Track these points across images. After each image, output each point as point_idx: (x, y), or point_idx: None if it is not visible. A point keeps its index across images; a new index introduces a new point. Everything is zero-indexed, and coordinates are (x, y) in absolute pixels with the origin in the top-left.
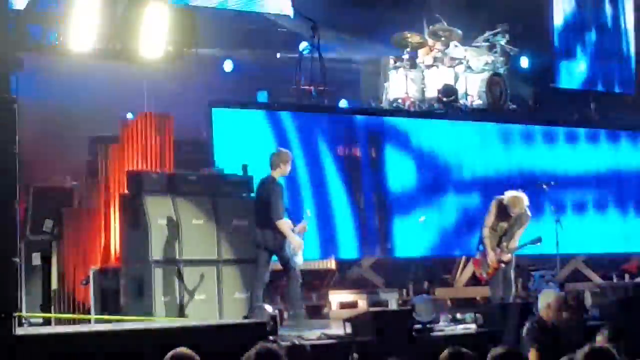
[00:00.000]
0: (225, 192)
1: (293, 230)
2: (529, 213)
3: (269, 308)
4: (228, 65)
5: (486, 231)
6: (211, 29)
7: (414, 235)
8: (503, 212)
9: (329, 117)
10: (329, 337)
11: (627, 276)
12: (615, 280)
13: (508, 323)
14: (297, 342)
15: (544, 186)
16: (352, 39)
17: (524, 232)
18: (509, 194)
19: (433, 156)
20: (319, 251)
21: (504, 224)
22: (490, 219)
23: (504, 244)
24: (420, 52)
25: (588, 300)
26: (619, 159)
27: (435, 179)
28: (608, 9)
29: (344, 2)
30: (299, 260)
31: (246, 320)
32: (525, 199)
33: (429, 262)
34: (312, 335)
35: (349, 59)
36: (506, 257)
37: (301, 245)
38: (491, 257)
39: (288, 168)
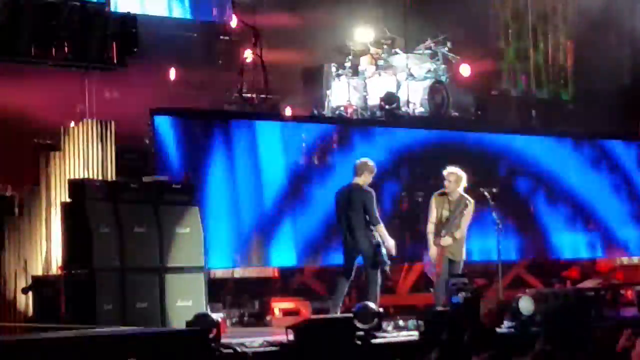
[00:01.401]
0: (167, 200)
1: None
2: (469, 198)
3: (213, 315)
4: (171, 73)
5: (430, 227)
6: (154, 36)
7: None
8: (442, 200)
9: (272, 124)
10: (271, 344)
11: (568, 282)
12: (556, 286)
13: None
14: (239, 350)
15: (486, 193)
16: (295, 47)
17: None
18: (447, 169)
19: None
20: (260, 259)
21: (446, 212)
22: (432, 214)
23: (445, 232)
24: (363, 59)
25: (528, 306)
26: (561, 166)
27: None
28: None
29: (286, 10)
30: (389, 265)
31: (189, 328)
32: (462, 177)
33: None
34: (255, 342)
35: (291, 66)
36: (445, 241)
37: (394, 247)
38: (432, 251)
39: (371, 178)
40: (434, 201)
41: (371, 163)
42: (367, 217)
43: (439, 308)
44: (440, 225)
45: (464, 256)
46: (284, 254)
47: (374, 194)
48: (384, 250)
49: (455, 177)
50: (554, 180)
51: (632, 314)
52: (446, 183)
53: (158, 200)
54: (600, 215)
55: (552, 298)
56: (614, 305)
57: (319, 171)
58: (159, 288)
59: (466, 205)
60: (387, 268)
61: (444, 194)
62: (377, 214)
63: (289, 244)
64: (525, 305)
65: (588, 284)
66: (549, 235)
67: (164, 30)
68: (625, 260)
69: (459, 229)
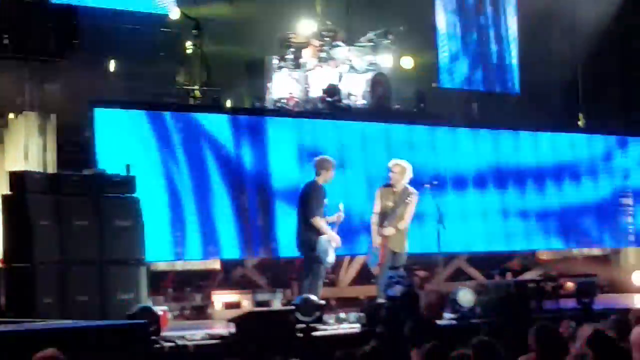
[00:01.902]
0: (108, 193)
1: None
2: (412, 189)
3: (154, 308)
4: (111, 65)
5: (373, 217)
6: (94, 28)
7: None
8: (387, 192)
9: (213, 117)
10: (213, 337)
11: (509, 274)
12: (497, 278)
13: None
14: (180, 343)
15: (426, 186)
16: (237, 39)
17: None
18: (392, 161)
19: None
20: (201, 252)
21: (390, 203)
22: (376, 205)
23: (388, 222)
24: (305, 52)
25: (467, 298)
26: (500, 158)
27: None
28: (490, 11)
29: (228, 1)
30: (330, 260)
31: (129, 321)
32: (407, 169)
33: None
34: (196, 335)
35: (232, 58)
36: (388, 231)
37: (339, 240)
38: (375, 240)
39: (330, 174)
40: (378, 192)
41: (329, 160)
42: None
43: (379, 300)
44: (384, 216)
45: (406, 248)
46: (226, 246)
47: (322, 191)
48: (321, 246)
49: (400, 168)
50: (498, 172)
51: (572, 305)
52: (391, 174)
53: (98, 192)
54: (542, 207)
55: (492, 290)
56: (555, 297)
57: (261, 163)
58: (99, 281)
59: (410, 197)
60: (327, 264)
61: (388, 185)
62: (316, 209)
63: (231, 236)
64: (465, 297)
65: (529, 275)
66: (489, 227)
67: (105, 21)
68: (565, 252)
69: (402, 220)
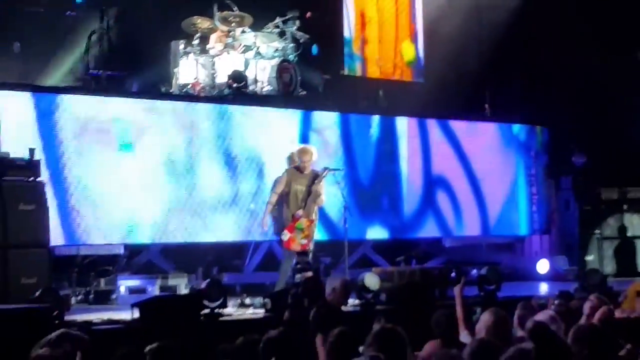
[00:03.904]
0: (11, 176)
1: None
2: (319, 170)
3: (57, 292)
4: (16, 47)
5: (272, 197)
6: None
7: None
8: (296, 176)
9: (119, 101)
10: (116, 322)
11: (414, 261)
12: (402, 265)
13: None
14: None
15: (333, 172)
16: (143, 24)
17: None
18: (296, 148)
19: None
20: (105, 236)
21: (300, 187)
22: (279, 185)
23: (303, 204)
24: (211, 37)
25: (374, 282)
26: (412, 145)
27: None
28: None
29: None
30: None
31: (31, 305)
32: (314, 152)
33: (219, 248)
34: (99, 320)
35: (139, 43)
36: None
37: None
38: (266, 220)
39: (297, 162)
40: (285, 175)
41: (293, 151)
42: None
43: (285, 286)
44: (292, 199)
45: (315, 234)
46: (131, 230)
47: (280, 177)
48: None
49: (308, 154)
50: (403, 160)
51: (476, 293)
52: (299, 159)
53: (1, 176)
54: (450, 195)
55: (397, 277)
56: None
57: (169, 149)
58: (2, 265)
59: (321, 177)
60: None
61: (297, 169)
62: (270, 194)
63: (137, 221)
64: (371, 281)
65: (433, 263)
66: (397, 214)
67: (9, 4)
68: (470, 239)
69: (319, 197)
